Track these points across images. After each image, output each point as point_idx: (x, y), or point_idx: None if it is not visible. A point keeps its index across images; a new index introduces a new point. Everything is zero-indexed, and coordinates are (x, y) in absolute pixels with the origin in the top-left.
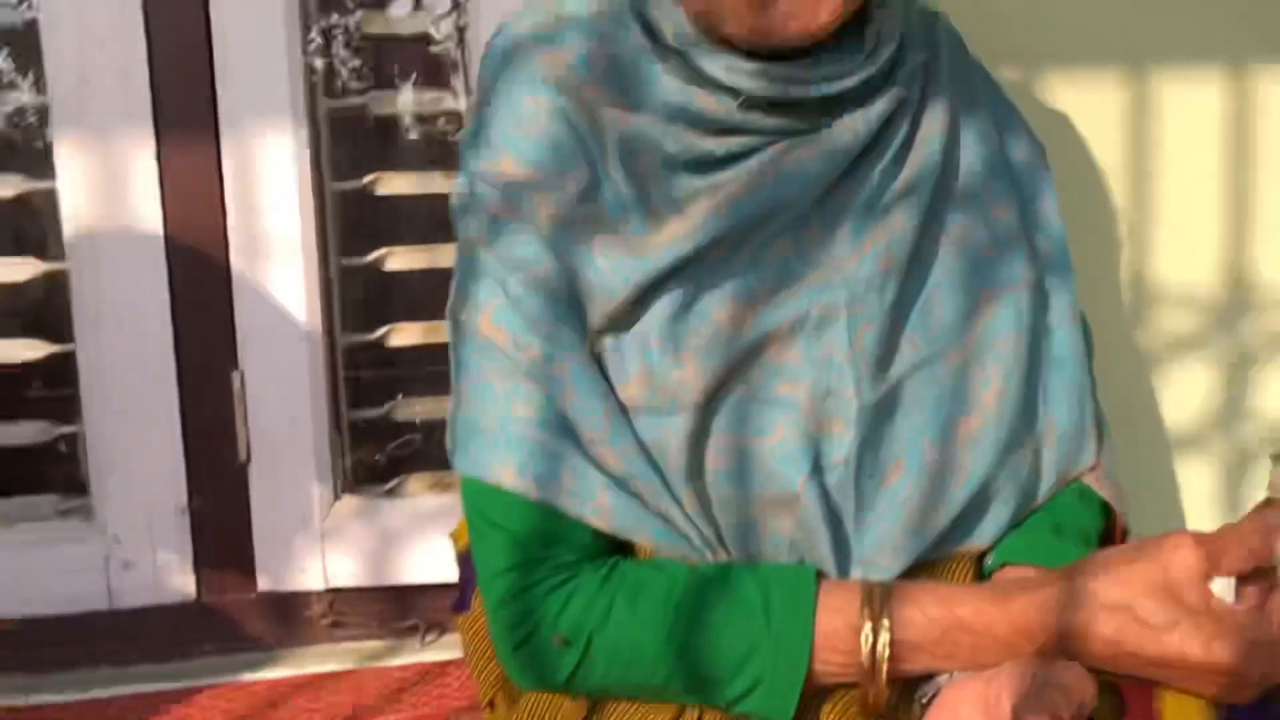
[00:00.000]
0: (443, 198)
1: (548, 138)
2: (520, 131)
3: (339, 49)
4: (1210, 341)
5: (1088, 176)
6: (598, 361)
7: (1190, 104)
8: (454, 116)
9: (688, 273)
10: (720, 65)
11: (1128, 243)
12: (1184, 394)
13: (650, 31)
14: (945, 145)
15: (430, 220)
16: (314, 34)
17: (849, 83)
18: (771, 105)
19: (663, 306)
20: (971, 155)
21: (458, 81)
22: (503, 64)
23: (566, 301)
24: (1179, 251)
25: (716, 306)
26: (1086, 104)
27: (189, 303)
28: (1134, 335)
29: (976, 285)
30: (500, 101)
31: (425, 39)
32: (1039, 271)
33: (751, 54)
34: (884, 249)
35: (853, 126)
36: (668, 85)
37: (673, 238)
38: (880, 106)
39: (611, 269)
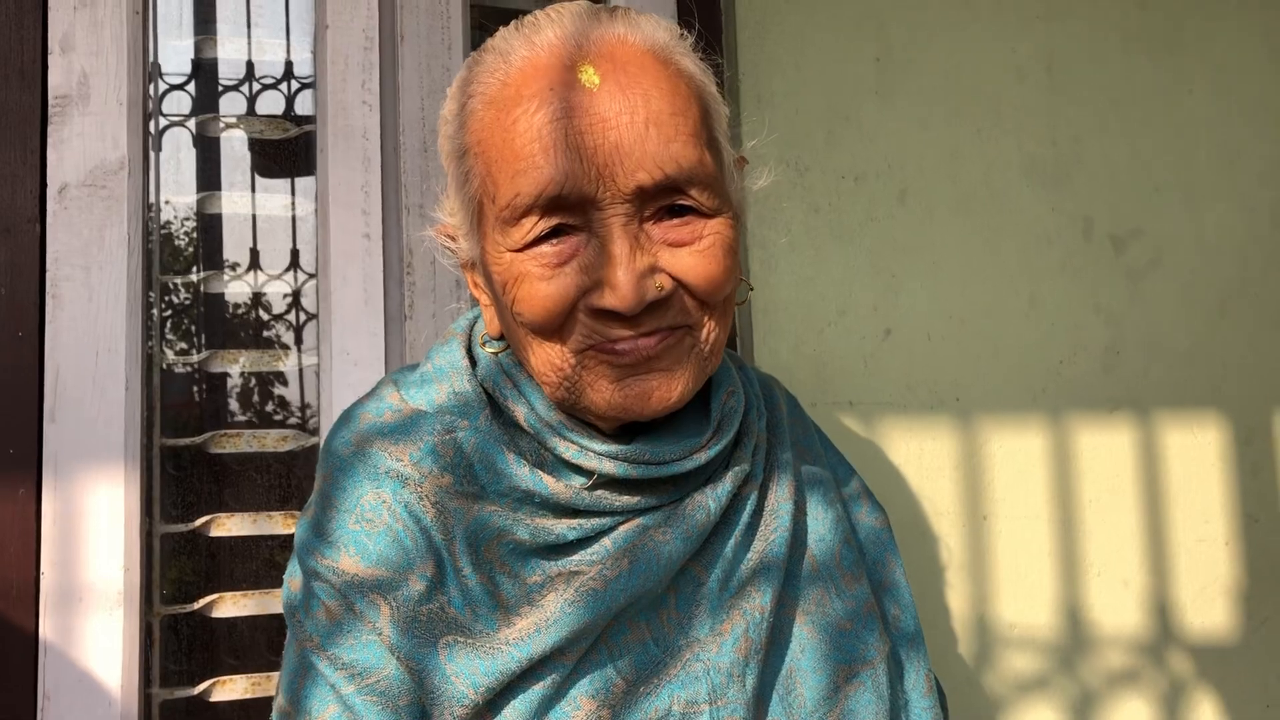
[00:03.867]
0: (278, 539)
1: (391, 534)
2: (361, 527)
3: (182, 384)
4: (1052, 681)
5: (925, 521)
6: None
7: (1016, 450)
8: (301, 456)
9: (542, 670)
10: (574, 447)
11: (969, 585)
12: None
13: (501, 417)
14: (794, 514)
15: (266, 563)
16: (155, 370)
17: (701, 459)
18: (623, 482)
19: (514, 711)
20: (819, 524)
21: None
22: (346, 456)
23: (408, 709)
24: (1017, 593)
25: (573, 709)
26: (921, 450)
27: None
28: (982, 678)
29: (835, 662)
30: (342, 496)
31: (276, 377)
32: (892, 641)
33: (601, 431)
34: (742, 632)
35: (704, 504)
36: (516, 471)
37: (524, 634)
38: (729, 484)
39: (459, 673)
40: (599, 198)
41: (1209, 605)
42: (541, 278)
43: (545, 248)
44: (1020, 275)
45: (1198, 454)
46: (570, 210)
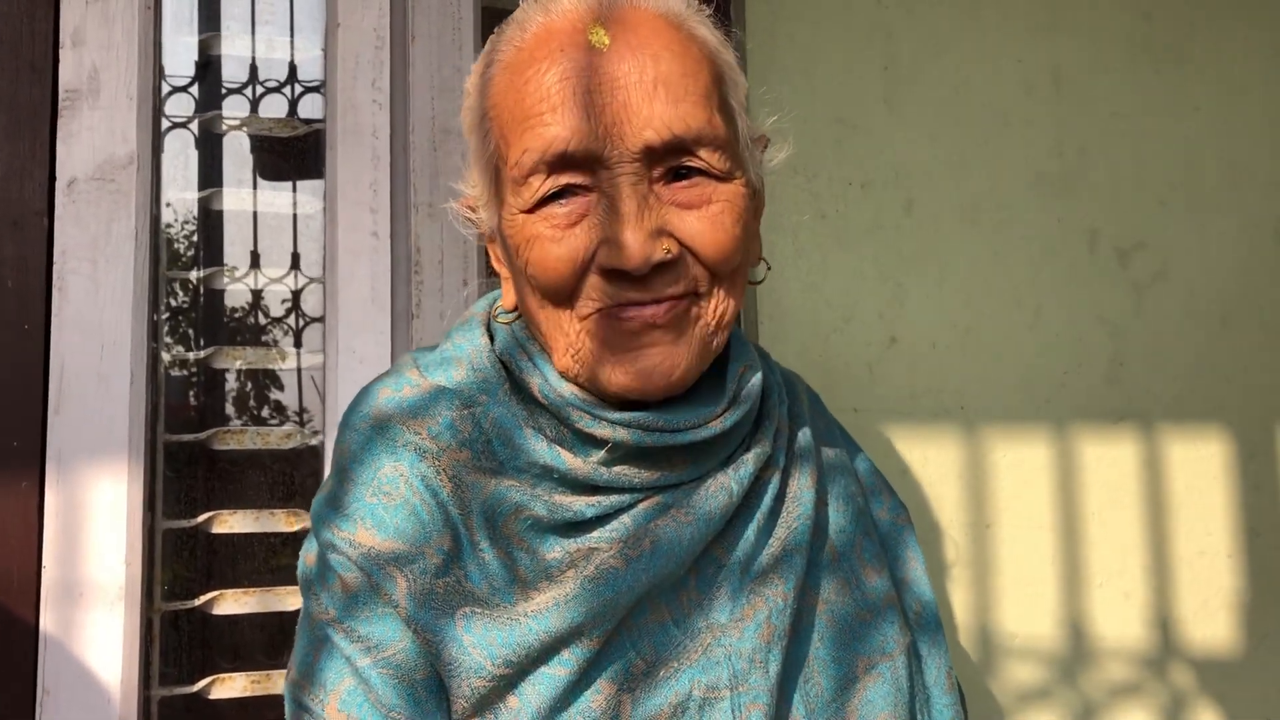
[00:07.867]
0: (283, 537)
1: (408, 507)
2: (379, 500)
3: (179, 384)
4: (1054, 692)
5: (928, 529)
6: None
7: (1020, 459)
8: (305, 455)
9: (563, 651)
10: (588, 416)
11: (971, 593)
12: None
13: (520, 394)
14: (815, 503)
15: (267, 561)
16: (160, 366)
17: (716, 428)
18: (640, 456)
19: (536, 694)
20: (840, 515)
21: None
22: (364, 430)
23: (424, 683)
24: (1019, 602)
25: (594, 693)
26: (925, 458)
27: None
28: (987, 686)
29: (853, 654)
30: (360, 469)
31: (273, 380)
32: (911, 635)
33: (619, 404)
34: (765, 618)
35: (725, 485)
36: (535, 447)
37: (543, 607)
38: (750, 466)
39: (476, 645)
40: (607, 156)
41: (1211, 618)
42: (552, 239)
43: (555, 208)
44: (1025, 286)
45: (1200, 467)
46: (579, 169)
